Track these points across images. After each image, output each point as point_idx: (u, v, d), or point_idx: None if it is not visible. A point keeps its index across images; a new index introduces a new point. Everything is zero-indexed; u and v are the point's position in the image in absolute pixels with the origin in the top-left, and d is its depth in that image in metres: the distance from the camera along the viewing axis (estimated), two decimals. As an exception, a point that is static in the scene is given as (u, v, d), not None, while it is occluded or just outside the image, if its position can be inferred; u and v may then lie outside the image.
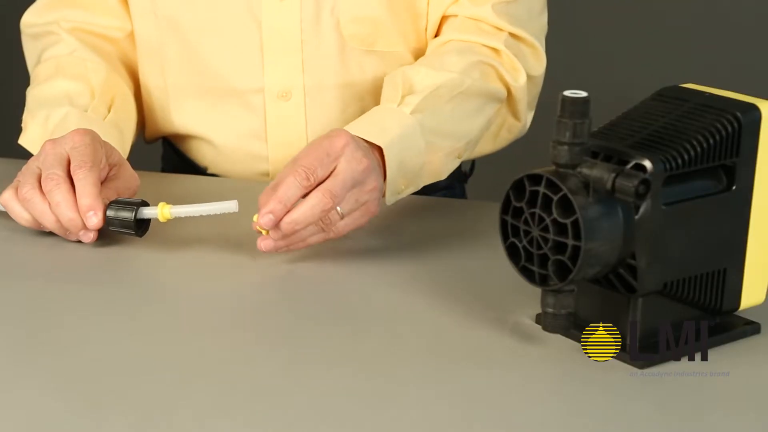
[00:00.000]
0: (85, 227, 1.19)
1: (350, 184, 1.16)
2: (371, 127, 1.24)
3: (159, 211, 1.19)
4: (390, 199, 1.25)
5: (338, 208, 1.17)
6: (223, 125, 1.43)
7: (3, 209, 1.24)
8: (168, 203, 1.20)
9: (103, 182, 1.22)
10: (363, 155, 1.17)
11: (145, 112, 1.48)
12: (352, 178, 1.16)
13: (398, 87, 1.29)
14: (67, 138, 1.22)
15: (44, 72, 1.38)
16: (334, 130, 1.19)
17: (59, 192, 1.18)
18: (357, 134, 1.21)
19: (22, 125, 1.34)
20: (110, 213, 1.19)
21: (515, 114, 1.39)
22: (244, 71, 1.39)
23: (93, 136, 1.22)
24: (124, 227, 1.19)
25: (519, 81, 1.36)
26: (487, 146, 1.41)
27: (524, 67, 1.36)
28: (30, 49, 1.46)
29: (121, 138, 1.33)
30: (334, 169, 1.16)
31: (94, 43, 1.42)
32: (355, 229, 1.20)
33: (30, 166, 1.22)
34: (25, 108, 1.36)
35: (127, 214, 1.19)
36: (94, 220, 1.18)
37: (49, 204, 1.19)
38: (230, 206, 1.17)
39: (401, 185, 1.25)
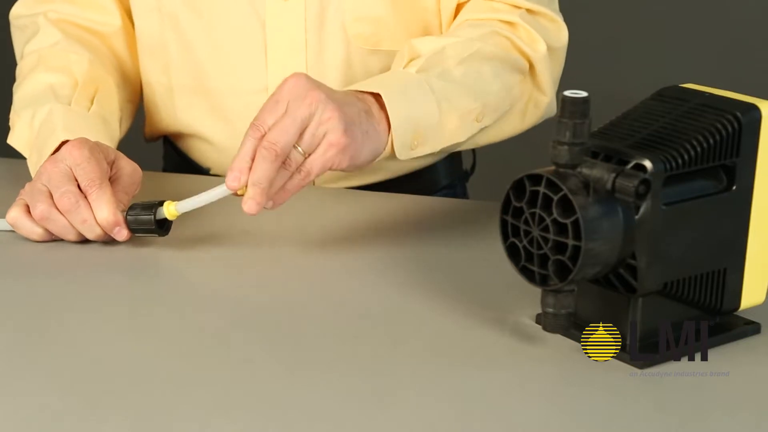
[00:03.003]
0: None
1: (295, 126, 1.14)
2: (374, 81, 1.23)
3: (165, 210, 1.19)
4: (401, 152, 1.22)
5: (299, 148, 1.15)
6: (225, 125, 1.43)
7: (5, 228, 1.24)
8: (172, 200, 1.20)
9: (111, 185, 1.22)
10: (308, 89, 1.15)
11: (147, 109, 1.48)
12: (293, 119, 1.14)
13: (404, 56, 1.28)
14: (65, 154, 1.21)
15: (27, 66, 1.38)
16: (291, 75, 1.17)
17: (79, 210, 1.19)
18: (359, 89, 1.20)
19: (10, 124, 1.34)
20: (130, 218, 1.20)
21: (540, 87, 1.35)
22: (248, 71, 1.39)
23: (90, 147, 1.22)
24: (146, 231, 1.20)
25: (539, 51, 1.32)
26: (515, 125, 1.37)
27: (546, 38, 1.33)
28: (17, 41, 1.45)
29: (108, 129, 1.32)
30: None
31: (80, 35, 1.41)
32: (330, 167, 1.17)
33: (36, 186, 1.22)
34: (12, 106, 1.36)
35: (147, 217, 1.19)
36: (124, 233, 1.20)
37: (69, 222, 1.20)
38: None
39: (413, 140, 1.22)
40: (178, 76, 1.42)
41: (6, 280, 1.16)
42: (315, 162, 1.16)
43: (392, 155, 1.22)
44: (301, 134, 1.15)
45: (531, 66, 1.34)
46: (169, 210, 1.19)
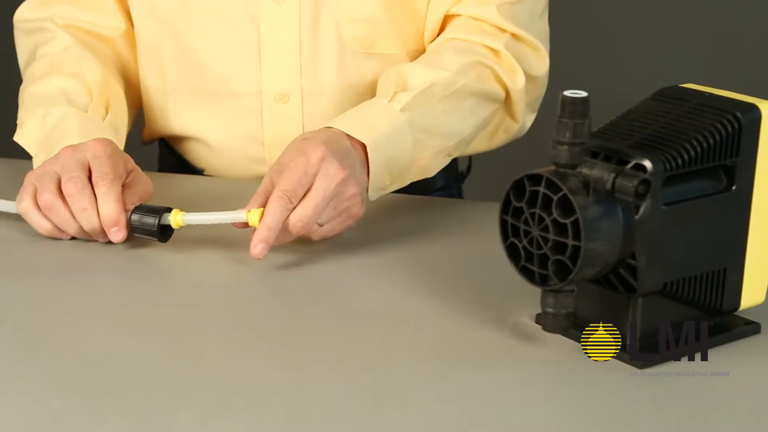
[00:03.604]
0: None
1: (324, 203, 1.18)
2: (359, 122, 1.25)
3: (171, 218, 1.19)
4: (373, 194, 1.25)
5: (320, 221, 1.19)
6: (220, 127, 1.42)
7: (7, 210, 1.24)
8: (180, 210, 1.20)
9: (124, 189, 1.23)
10: (338, 167, 1.18)
11: (145, 112, 1.48)
12: (324, 197, 1.18)
13: (391, 83, 1.29)
14: (88, 146, 1.22)
15: (39, 69, 1.38)
16: (310, 141, 1.20)
17: (82, 197, 1.19)
18: (343, 129, 1.23)
19: (18, 122, 1.34)
20: (134, 218, 1.20)
21: (513, 115, 1.39)
22: (242, 73, 1.39)
23: (114, 147, 1.23)
24: (147, 234, 1.20)
25: (517, 83, 1.35)
26: (482, 145, 1.41)
27: (526, 67, 1.36)
28: (22, 44, 1.45)
29: (118, 139, 1.32)
30: (312, 185, 1.18)
31: (87, 41, 1.41)
32: (342, 231, 1.22)
33: (47, 171, 1.22)
34: (21, 105, 1.35)
35: (150, 221, 1.19)
36: (120, 235, 1.20)
37: (71, 211, 1.20)
38: (241, 216, 1.18)
39: (386, 181, 1.26)
40: (173, 78, 1.42)
41: (6, 280, 1.16)
42: (332, 230, 1.21)
43: None
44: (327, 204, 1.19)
45: (507, 96, 1.36)
46: (175, 219, 1.19)
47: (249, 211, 1.18)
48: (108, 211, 1.19)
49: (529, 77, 1.37)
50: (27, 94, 1.36)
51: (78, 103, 1.32)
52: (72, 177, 1.20)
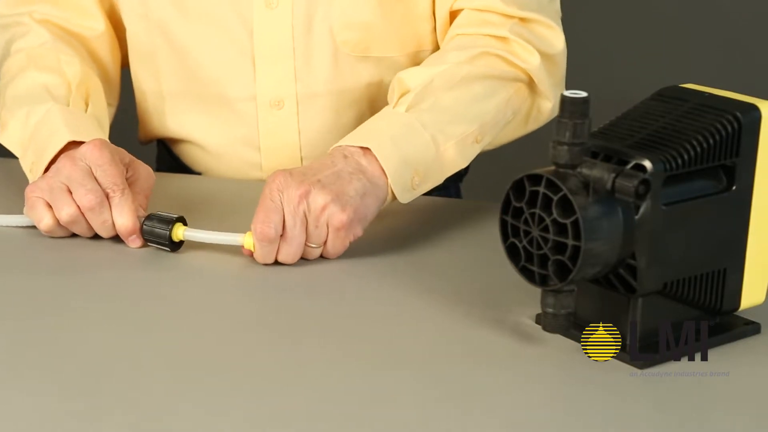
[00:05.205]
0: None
1: (297, 227, 1.16)
2: (363, 132, 1.24)
3: (173, 231, 1.20)
4: (403, 196, 1.23)
5: (312, 245, 1.18)
6: (216, 131, 1.42)
7: (24, 223, 1.25)
8: (185, 213, 1.20)
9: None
10: (295, 188, 1.17)
11: (139, 115, 1.47)
12: (294, 223, 1.16)
13: (394, 92, 1.28)
14: (85, 153, 1.21)
15: (16, 64, 1.37)
16: (270, 176, 1.19)
17: (103, 211, 1.20)
18: (345, 143, 1.22)
19: (1, 123, 1.33)
20: (146, 228, 1.20)
21: (541, 94, 1.35)
22: (236, 79, 1.38)
23: (110, 148, 1.22)
24: (158, 244, 1.20)
25: (532, 62, 1.32)
26: (518, 130, 1.38)
27: (540, 46, 1.33)
28: None
29: (102, 131, 1.31)
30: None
31: (64, 36, 1.40)
32: (349, 243, 1.19)
33: (54, 185, 1.21)
34: (2, 105, 1.34)
35: (162, 232, 1.20)
36: (138, 242, 1.21)
37: (88, 219, 1.21)
38: (239, 239, 1.18)
39: (415, 180, 1.24)
40: (168, 82, 1.42)
41: (6, 279, 1.16)
42: (333, 249, 1.19)
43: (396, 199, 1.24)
44: (305, 229, 1.17)
45: (529, 77, 1.34)
46: (177, 232, 1.20)
47: (246, 234, 1.18)
48: (124, 221, 1.20)
49: (546, 55, 1.34)
50: (8, 94, 1.34)
51: (60, 97, 1.31)
52: (89, 190, 1.20)
